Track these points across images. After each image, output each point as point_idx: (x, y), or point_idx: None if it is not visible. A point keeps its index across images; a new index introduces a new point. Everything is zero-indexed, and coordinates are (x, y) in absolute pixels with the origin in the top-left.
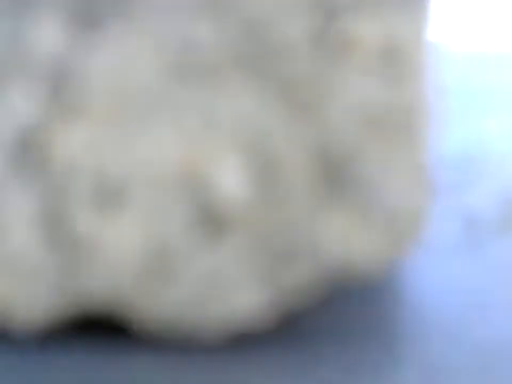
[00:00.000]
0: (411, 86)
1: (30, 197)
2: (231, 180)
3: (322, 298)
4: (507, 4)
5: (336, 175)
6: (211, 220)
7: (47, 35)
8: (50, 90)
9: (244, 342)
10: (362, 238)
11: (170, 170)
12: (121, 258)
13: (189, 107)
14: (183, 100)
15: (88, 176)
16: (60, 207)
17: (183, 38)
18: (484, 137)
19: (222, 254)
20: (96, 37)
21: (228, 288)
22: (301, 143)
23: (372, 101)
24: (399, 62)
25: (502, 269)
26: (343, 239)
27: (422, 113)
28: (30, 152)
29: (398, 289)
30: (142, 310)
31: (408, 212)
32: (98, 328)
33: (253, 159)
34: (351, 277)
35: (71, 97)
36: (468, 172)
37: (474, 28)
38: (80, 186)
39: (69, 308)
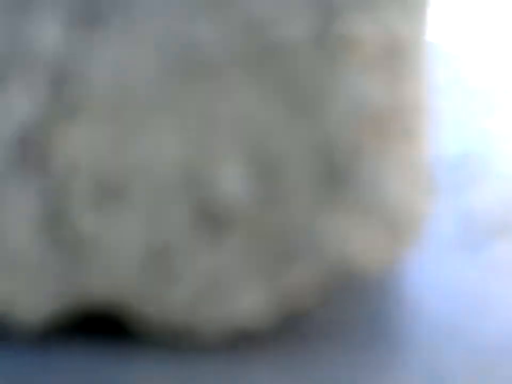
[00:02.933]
0: (411, 86)
1: (30, 196)
2: (231, 180)
3: (322, 298)
4: (506, 4)
5: (336, 175)
6: (211, 220)
7: (47, 34)
8: (50, 89)
9: (244, 342)
10: (362, 238)
11: (170, 169)
12: (122, 257)
13: (189, 106)
14: (183, 100)
15: (89, 175)
16: (60, 206)
17: (183, 38)
18: (483, 137)
19: (222, 254)
20: (96, 36)
21: (228, 288)
22: (301, 143)
23: (372, 100)
24: (399, 62)
25: (502, 269)
26: (343, 239)
27: (421, 113)
28: (30, 151)
29: (397, 288)
30: (142, 309)
31: (408, 211)
32: (98, 328)
33: (253, 158)
34: (351, 277)
35: (72, 97)
36: (467, 172)
37: (473, 28)
38: (81, 185)
39: (69, 307)
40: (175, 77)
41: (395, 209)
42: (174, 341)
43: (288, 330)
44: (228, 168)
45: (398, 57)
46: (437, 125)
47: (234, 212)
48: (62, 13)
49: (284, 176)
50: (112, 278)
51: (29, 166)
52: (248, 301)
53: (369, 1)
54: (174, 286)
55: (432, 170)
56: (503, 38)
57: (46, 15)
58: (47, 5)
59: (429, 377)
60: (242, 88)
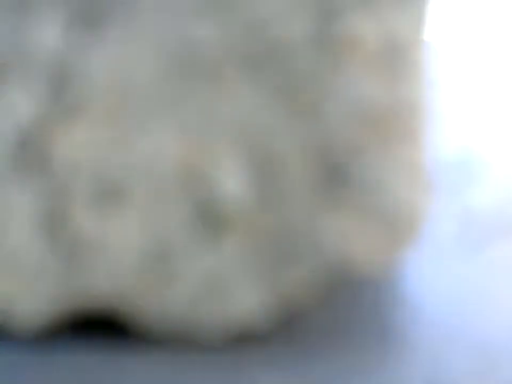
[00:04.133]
0: (410, 86)
1: (31, 197)
2: (231, 180)
3: (322, 298)
4: (504, 4)
5: (336, 175)
6: (211, 220)
7: (48, 35)
8: (50, 90)
9: (244, 342)
10: (362, 238)
11: (170, 170)
12: (121, 258)
13: (189, 107)
14: (183, 100)
15: (88, 175)
16: (60, 207)
17: (183, 38)
18: (483, 137)
19: (222, 254)
20: (96, 36)
21: (228, 288)
22: (301, 143)
23: (372, 101)
24: (398, 62)
25: (501, 269)
26: (342, 239)
27: (421, 113)
28: (30, 152)
29: (397, 289)
30: (142, 309)
31: (408, 212)
32: (98, 328)
33: (253, 159)
34: (351, 277)
35: (71, 97)
36: (467, 172)
37: (473, 27)
38: (81, 186)
39: (69, 308)
40: (175, 77)
41: (395, 209)
42: (174, 341)
43: (288, 330)
44: (227, 169)
45: (398, 57)
46: (437, 125)
47: (234, 212)
48: (62, 13)
49: (283, 176)
50: (112, 278)
51: (29, 166)
52: (248, 301)
53: (368, 2)
54: (173, 286)
55: (431, 171)
56: (502, 37)
57: (46, 15)
58: (47, 5)
59: (429, 377)
60: (242, 88)
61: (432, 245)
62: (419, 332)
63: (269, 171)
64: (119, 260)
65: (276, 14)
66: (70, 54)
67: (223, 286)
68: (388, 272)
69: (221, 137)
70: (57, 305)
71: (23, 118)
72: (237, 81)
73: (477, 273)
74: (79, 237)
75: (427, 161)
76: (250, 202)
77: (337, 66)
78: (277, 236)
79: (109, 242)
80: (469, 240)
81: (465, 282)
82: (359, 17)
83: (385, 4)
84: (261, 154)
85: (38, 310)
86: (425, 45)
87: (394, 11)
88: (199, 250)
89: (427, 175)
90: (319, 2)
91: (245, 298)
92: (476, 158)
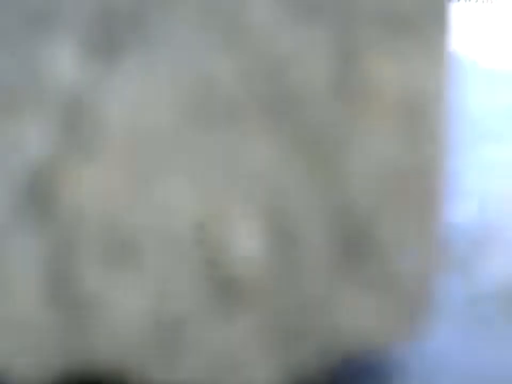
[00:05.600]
0: (428, 148)
1: (36, 251)
2: (246, 242)
3: (331, 373)
4: None
5: (354, 244)
6: (224, 285)
7: (63, 68)
8: (63, 126)
9: None
10: (375, 315)
11: (184, 229)
12: (127, 323)
13: (206, 155)
14: (200, 147)
15: (97, 227)
16: (67, 263)
17: (200, 73)
18: (498, 204)
19: (234, 326)
20: (112, 71)
21: (237, 362)
22: (319, 205)
23: (391, 160)
24: (420, 119)
25: (508, 344)
26: (355, 316)
27: (437, 178)
28: (37, 193)
29: (408, 362)
30: (147, 376)
31: (421, 285)
32: None
33: (269, 220)
34: (362, 353)
35: (85, 136)
36: (479, 242)
37: (503, 46)
38: (89, 240)
39: (72, 368)
40: (192, 120)
41: (410, 284)
42: None
43: None
44: (242, 229)
45: (420, 114)
46: (452, 191)
47: (247, 276)
48: (78, 47)
49: (299, 242)
50: (116, 344)
51: (36, 210)
52: (257, 377)
53: (389, 48)
54: (182, 358)
55: (445, 240)
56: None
57: (62, 49)
58: (62, 38)
59: None
60: (261, 135)
61: (442, 315)
62: None
63: (285, 235)
64: (124, 325)
65: (295, 55)
66: (84, 89)
67: (233, 359)
68: (401, 346)
69: (237, 194)
70: (60, 365)
71: (34, 156)
72: (256, 127)
73: (484, 347)
74: (84, 296)
75: (443, 229)
76: (265, 267)
77: (356, 119)
78: (290, 309)
79: (115, 304)
80: (475, 313)
81: (480, 358)
82: (379, 63)
83: (410, 51)
84: (278, 216)
85: (41, 370)
86: (448, 95)
87: (420, 61)
88: (211, 320)
89: (441, 246)
90: (340, 45)
91: (254, 373)
92: (490, 225)
